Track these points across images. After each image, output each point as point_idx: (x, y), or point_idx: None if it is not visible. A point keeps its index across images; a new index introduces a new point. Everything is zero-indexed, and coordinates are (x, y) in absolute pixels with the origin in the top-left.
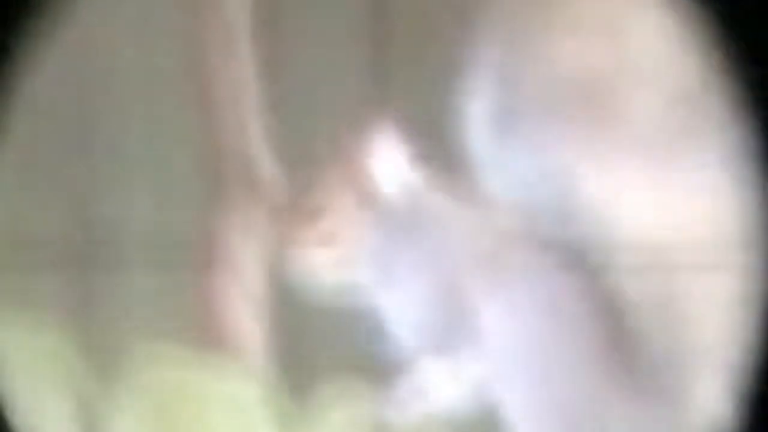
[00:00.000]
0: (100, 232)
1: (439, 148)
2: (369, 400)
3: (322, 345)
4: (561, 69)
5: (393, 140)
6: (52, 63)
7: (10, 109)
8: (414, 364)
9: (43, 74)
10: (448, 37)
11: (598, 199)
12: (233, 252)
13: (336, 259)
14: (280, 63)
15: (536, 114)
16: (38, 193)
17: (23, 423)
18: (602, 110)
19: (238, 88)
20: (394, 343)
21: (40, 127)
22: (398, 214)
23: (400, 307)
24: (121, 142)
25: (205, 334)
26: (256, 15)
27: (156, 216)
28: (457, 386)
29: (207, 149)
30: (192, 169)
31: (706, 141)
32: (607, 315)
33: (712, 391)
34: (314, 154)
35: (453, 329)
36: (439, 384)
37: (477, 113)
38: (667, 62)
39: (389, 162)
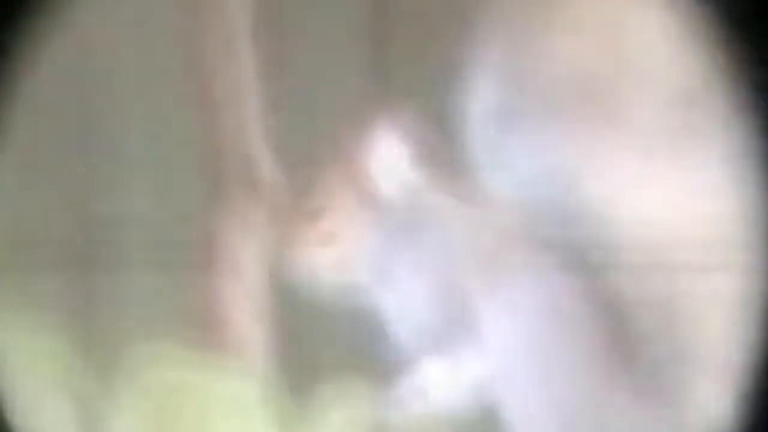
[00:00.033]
0: (100, 232)
1: (439, 147)
2: (369, 400)
3: (323, 345)
4: (562, 68)
5: (393, 140)
6: (51, 63)
7: (11, 109)
8: (414, 364)
9: (43, 74)
10: (449, 36)
11: (599, 198)
12: (233, 252)
13: (336, 259)
14: (281, 63)
15: (537, 113)
16: (38, 193)
17: (23, 423)
18: (603, 109)
19: (239, 87)
20: (394, 343)
21: (41, 127)
22: (398, 214)
23: (400, 307)
24: (121, 142)
25: (205, 334)
26: (256, 14)
27: (156, 216)
28: (457, 386)
29: (207, 149)
30: (192, 169)
31: (708, 140)
32: (607, 315)
33: (713, 391)
34: (314, 154)
35: (453, 329)
36: (439, 384)
37: (478, 112)
38: (669, 61)
39: (389, 162)
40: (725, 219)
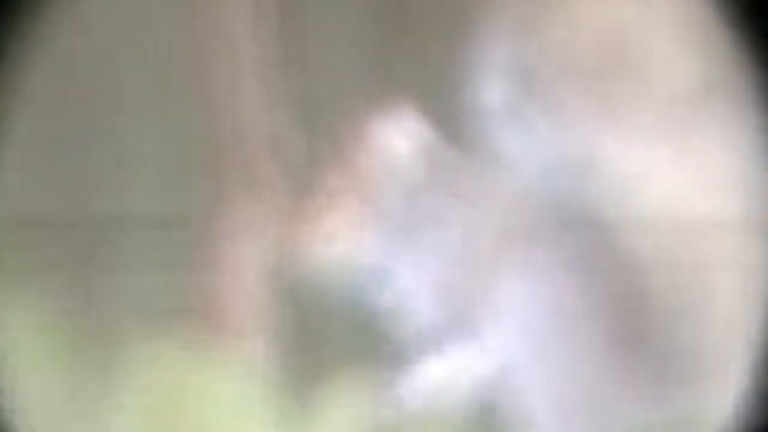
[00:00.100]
0: (100, 231)
1: (442, 144)
2: (371, 399)
3: (324, 344)
4: (579, 24)
5: (395, 137)
6: (52, 62)
7: (11, 109)
8: (416, 362)
9: (43, 74)
10: (453, 30)
11: (618, 159)
12: (234, 250)
13: (338, 258)
14: (283, 61)
15: (554, 71)
16: (38, 193)
17: (22, 422)
18: (622, 67)
19: (240, 85)
20: (395, 342)
21: (41, 126)
22: (400, 213)
23: (402, 306)
24: (122, 142)
25: (206, 333)
26: (258, 12)
27: (156, 214)
28: (460, 385)
29: (209, 148)
30: (193, 167)
31: (732, 100)
32: (611, 311)
33: (723, 383)
34: (316, 152)
35: (455, 327)
36: (441, 382)
37: (494, 71)
38: (691, 18)
39: (391, 160)
40: (745, 178)
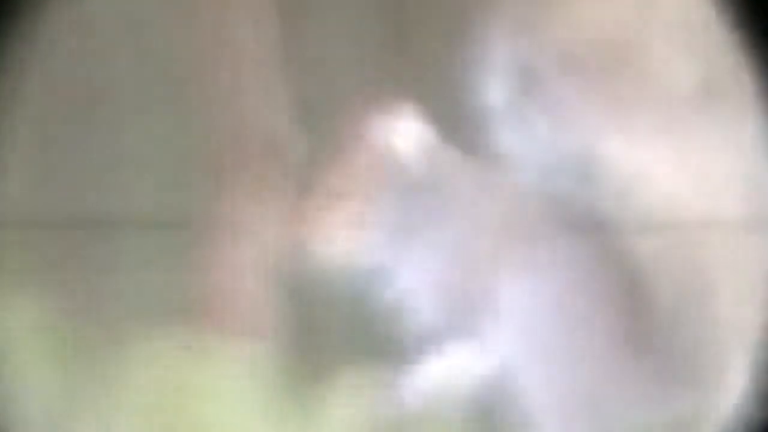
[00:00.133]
0: (100, 231)
1: (458, 123)
2: (373, 397)
3: (326, 343)
4: (580, 24)
5: (411, 118)
6: (51, 61)
7: (10, 109)
8: (431, 347)
9: (42, 73)
10: (466, 11)
11: (618, 156)
12: (236, 249)
13: (340, 257)
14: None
15: (556, 71)
16: (38, 193)
17: (22, 422)
18: (623, 67)
19: (241, 83)
20: (398, 339)
21: (40, 125)
22: (419, 186)
23: (404, 304)
24: (122, 141)
25: (206, 332)
26: (258, 8)
27: (156, 214)
28: (462, 384)
29: (210, 147)
30: (194, 166)
31: (732, 98)
32: (629, 290)
33: (737, 369)
34: (331, 135)
35: (457, 326)
36: (444, 381)
37: (496, 69)
38: (692, 18)
39: (408, 140)
40: (747, 179)
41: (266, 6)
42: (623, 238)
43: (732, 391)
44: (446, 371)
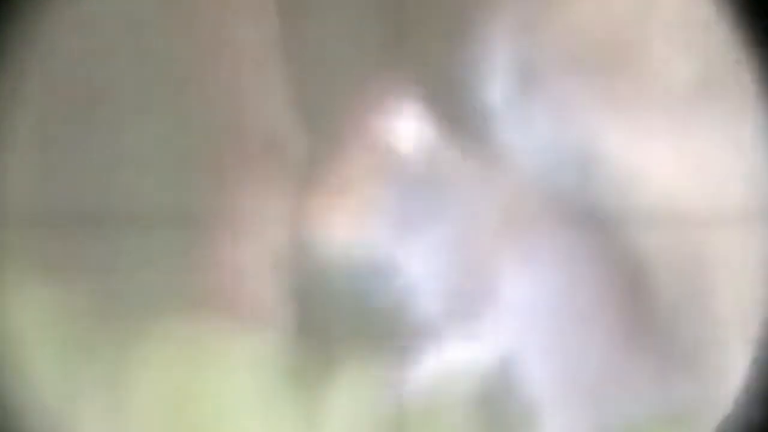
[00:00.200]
0: (100, 231)
1: (458, 112)
2: (376, 391)
3: (329, 338)
4: (581, 20)
5: (412, 107)
6: (51, 61)
7: (10, 108)
8: (433, 342)
9: (42, 73)
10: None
11: (619, 152)
12: (238, 247)
13: (342, 253)
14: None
15: (556, 67)
16: (38, 192)
17: (25, 417)
18: (623, 62)
19: (241, 83)
20: (401, 334)
21: (40, 125)
22: (420, 181)
23: (407, 299)
24: (122, 141)
25: (210, 330)
26: (258, 8)
27: (166, 199)
28: (464, 377)
29: (210, 146)
30: (196, 165)
31: (731, 95)
32: (629, 278)
33: (736, 355)
34: (333, 123)
35: (475, 297)
36: (446, 374)
37: (496, 66)
38: (691, 16)
39: (408, 129)
40: (746, 176)
41: (266, 6)
42: (624, 234)
43: (732, 386)
44: (448, 365)
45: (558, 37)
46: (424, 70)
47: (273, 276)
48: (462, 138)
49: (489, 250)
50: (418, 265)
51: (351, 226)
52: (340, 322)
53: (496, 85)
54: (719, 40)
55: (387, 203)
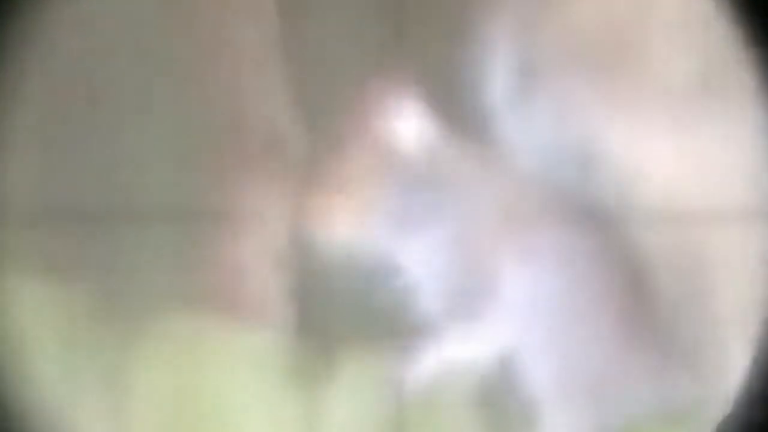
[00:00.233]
0: (100, 230)
1: (458, 107)
2: (378, 386)
3: (331, 333)
4: (581, 19)
5: (412, 102)
6: (51, 61)
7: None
8: (435, 337)
9: (42, 73)
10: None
11: (619, 151)
12: (241, 244)
13: (358, 226)
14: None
15: (556, 65)
16: (39, 192)
17: (28, 413)
18: (623, 61)
19: (241, 82)
20: (402, 330)
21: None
22: (419, 177)
23: (421, 270)
24: (123, 140)
25: (213, 326)
26: (258, 8)
27: (167, 197)
28: (465, 372)
29: (211, 145)
30: (197, 164)
31: (731, 93)
32: (629, 274)
33: (736, 351)
34: (334, 118)
35: (475, 296)
36: (447, 369)
37: (496, 65)
38: (691, 15)
39: (409, 125)
40: (747, 173)
41: (266, 6)
42: (624, 233)
43: (732, 386)
44: (448, 365)
45: (558, 36)
46: (424, 70)
47: (273, 275)
48: (462, 137)
49: (489, 249)
50: (418, 264)
51: (351, 225)
52: (340, 321)
53: (496, 85)
54: (719, 39)
55: (387, 202)
